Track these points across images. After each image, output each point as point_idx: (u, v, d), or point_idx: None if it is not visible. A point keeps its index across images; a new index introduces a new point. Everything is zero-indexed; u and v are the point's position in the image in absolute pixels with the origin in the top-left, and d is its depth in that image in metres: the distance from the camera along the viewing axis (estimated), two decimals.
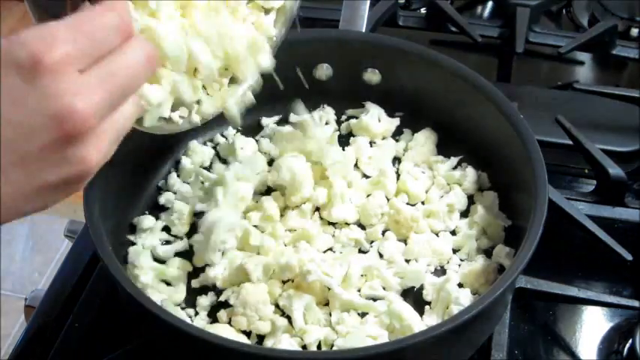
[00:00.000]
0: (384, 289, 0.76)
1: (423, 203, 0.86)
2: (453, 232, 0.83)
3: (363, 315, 0.74)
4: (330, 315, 0.74)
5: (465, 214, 0.85)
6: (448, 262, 0.80)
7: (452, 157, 0.89)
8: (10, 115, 0.46)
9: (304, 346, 0.72)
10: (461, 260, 0.80)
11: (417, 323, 0.71)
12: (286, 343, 0.71)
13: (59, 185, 0.50)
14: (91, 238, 0.70)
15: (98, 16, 0.49)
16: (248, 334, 0.74)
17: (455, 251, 0.81)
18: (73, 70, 0.47)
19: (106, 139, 0.50)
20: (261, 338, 0.74)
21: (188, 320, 0.74)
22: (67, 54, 0.46)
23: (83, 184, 0.52)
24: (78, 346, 0.80)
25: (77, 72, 0.47)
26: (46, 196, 0.50)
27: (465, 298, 0.73)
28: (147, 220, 0.83)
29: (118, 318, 0.77)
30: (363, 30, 0.97)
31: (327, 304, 0.75)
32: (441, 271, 0.79)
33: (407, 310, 0.72)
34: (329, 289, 0.74)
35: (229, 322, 0.74)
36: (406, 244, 0.81)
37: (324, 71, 0.93)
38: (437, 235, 0.82)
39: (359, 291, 0.76)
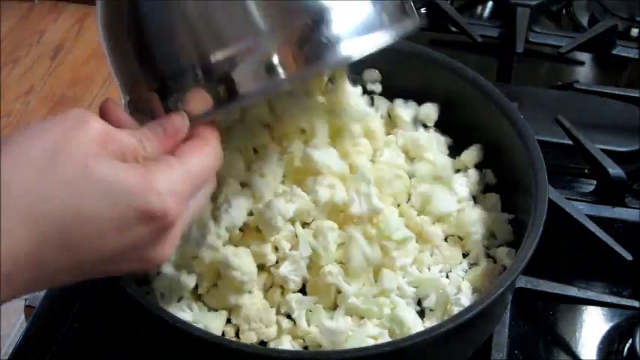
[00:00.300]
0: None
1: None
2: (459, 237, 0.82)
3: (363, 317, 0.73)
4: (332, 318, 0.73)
5: None
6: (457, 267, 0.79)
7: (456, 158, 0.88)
8: (121, 249, 0.50)
9: (306, 348, 0.71)
10: (469, 264, 0.79)
11: (418, 326, 0.71)
12: (288, 345, 0.71)
13: None
14: None
15: (206, 158, 0.55)
16: None
17: (464, 255, 0.79)
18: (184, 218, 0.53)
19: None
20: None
21: None
22: (186, 208, 0.52)
23: None
24: (78, 346, 0.80)
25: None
26: None
27: (465, 299, 0.72)
28: None
29: (118, 318, 0.77)
30: None
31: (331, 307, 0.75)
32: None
33: (408, 314, 0.71)
34: (339, 291, 0.73)
35: (237, 335, 0.73)
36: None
37: None
38: (445, 240, 0.81)
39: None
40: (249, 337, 0.71)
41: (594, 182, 0.92)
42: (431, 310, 0.74)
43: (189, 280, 0.71)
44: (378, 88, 0.92)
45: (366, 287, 0.74)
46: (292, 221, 0.73)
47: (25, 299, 0.93)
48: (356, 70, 0.92)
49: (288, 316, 0.73)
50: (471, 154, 0.86)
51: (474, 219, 0.79)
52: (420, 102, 0.91)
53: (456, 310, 0.71)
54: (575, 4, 1.24)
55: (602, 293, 0.81)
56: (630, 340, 0.76)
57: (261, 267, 0.74)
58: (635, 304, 0.78)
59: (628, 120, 0.99)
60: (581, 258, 0.84)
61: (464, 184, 0.83)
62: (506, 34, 1.14)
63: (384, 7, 0.61)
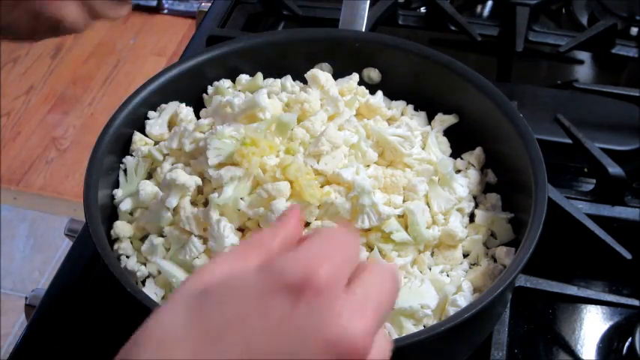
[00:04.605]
0: None
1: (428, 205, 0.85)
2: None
3: None
4: None
5: (471, 217, 0.84)
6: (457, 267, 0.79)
7: (458, 159, 0.88)
8: (278, 344, 0.40)
9: None
10: (470, 264, 0.79)
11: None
12: None
13: None
14: (91, 237, 0.70)
15: (338, 231, 0.46)
16: None
17: (464, 256, 0.79)
18: (340, 289, 0.42)
19: None
20: None
21: None
22: (332, 272, 0.42)
23: None
24: (78, 346, 0.80)
25: (342, 292, 0.43)
26: None
27: (464, 299, 0.72)
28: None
29: (118, 318, 0.77)
30: (363, 29, 0.97)
31: None
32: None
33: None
34: None
35: None
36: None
37: (324, 70, 0.93)
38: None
39: None
40: None
41: (594, 181, 0.92)
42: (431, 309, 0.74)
43: None
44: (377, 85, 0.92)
45: None
46: None
47: (26, 297, 0.93)
48: (356, 68, 0.92)
49: None
50: (474, 156, 0.87)
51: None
52: (418, 101, 0.91)
53: (454, 309, 0.71)
54: (575, 3, 1.24)
55: (602, 292, 0.81)
56: (630, 339, 0.76)
57: None
58: (635, 302, 0.78)
59: (627, 119, 0.99)
60: (580, 257, 0.84)
61: (464, 184, 0.83)
62: (506, 33, 1.14)
63: None
